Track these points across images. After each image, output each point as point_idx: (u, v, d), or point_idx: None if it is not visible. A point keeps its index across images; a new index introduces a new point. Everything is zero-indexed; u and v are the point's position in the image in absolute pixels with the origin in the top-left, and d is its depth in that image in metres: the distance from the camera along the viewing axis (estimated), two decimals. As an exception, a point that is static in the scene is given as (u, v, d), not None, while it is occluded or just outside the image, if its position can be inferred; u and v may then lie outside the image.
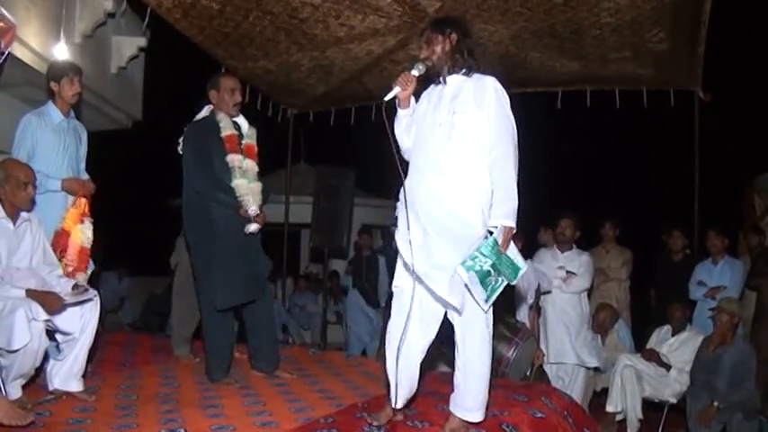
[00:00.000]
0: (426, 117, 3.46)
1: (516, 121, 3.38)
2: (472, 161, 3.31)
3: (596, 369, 6.35)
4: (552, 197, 12.07)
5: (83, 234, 4.42)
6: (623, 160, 16.44)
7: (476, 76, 3.46)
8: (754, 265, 7.00)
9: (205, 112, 4.60)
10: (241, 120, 4.61)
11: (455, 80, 3.46)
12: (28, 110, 4.65)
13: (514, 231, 3.29)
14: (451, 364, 3.49)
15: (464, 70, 3.46)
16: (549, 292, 5.99)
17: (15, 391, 3.59)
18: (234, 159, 4.38)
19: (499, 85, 3.41)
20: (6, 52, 4.81)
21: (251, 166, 4.48)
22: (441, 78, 3.49)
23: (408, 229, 3.31)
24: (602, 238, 7.64)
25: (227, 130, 4.42)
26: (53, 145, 4.43)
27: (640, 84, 7.56)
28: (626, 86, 7.66)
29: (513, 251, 3.29)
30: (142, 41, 8.25)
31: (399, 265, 3.48)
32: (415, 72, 3.43)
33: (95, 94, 7.65)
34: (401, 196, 3.38)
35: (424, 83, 3.55)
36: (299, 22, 6.28)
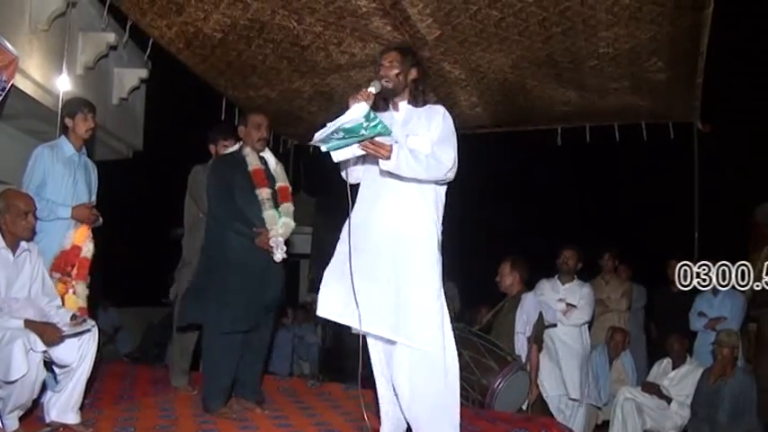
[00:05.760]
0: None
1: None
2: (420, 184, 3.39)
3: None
4: (552, 228, 12.03)
5: (85, 247, 4.47)
6: (623, 192, 16.44)
7: (427, 106, 3.53)
8: (754, 296, 6.96)
9: (236, 147, 4.71)
10: (268, 155, 4.69)
11: (405, 107, 3.53)
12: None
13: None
14: None
15: (418, 103, 3.52)
16: (554, 325, 5.88)
17: (12, 423, 3.56)
18: (263, 192, 4.46)
19: (447, 112, 3.48)
20: (9, 85, 4.88)
21: (287, 208, 4.58)
22: (392, 103, 3.53)
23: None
24: (601, 269, 7.62)
25: (253, 165, 4.51)
26: (64, 177, 4.50)
27: (639, 116, 7.60)
28: (625, 120, 7.70)
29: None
30: (144, 73, 8.31)
31: None
32: (372, 89, 3.36)
33: (96, 125, 7.66)
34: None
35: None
36: (301, 49, 6.35)
